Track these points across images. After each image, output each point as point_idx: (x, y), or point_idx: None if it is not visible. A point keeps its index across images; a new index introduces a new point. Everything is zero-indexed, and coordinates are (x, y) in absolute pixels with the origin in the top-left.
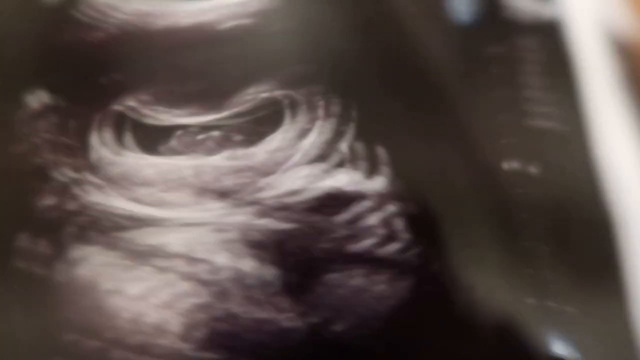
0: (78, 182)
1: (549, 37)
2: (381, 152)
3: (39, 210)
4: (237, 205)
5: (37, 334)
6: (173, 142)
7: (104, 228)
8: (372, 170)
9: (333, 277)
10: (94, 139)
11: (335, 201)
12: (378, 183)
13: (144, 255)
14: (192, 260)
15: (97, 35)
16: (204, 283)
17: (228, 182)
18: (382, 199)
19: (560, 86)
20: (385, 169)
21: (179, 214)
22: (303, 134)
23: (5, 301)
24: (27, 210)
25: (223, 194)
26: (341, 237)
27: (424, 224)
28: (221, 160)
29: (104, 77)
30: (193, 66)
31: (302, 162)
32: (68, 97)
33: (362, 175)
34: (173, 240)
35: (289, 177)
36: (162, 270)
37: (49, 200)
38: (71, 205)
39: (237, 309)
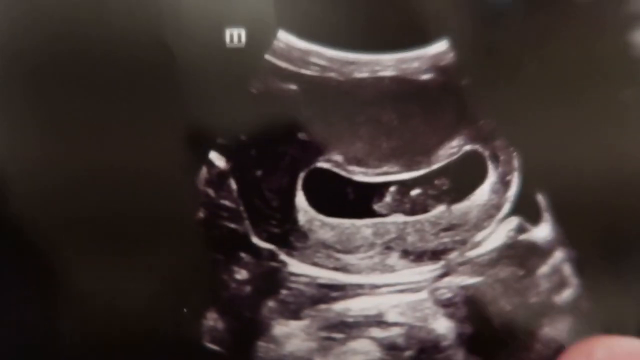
0: (279, 250)
1: None
2: (541, 199)
3: (230, 285)
4: (451, 266)
5: None
6: (387, 200)
7: (312, 300)
8: (537, 217)
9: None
10: (300, 201)
11: (533, 254)
12: (544, 230)
13: (359, 327)
14: (412, 328)
15: (293, 83)
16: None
17: (436, 242)
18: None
19: None
20: (547, 216)
21: (393, 279)
22: (507, 185)
23: None
24: (216, 285)
25: (438, 254)
26: (545, 289)
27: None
28: (435, 217)
29: (303, 132)
30: (396, 119)
31: (509, 215)
32: (263, 152)
33: (533, 223)
34: (387, 308)
35: (492, 233)
36: (381, 341)
37: (242, 274)
38: (272, 277)
39: None
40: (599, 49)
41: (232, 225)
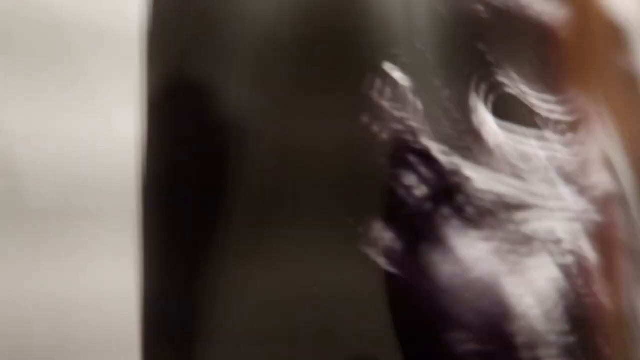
0: (465, 164)
1: None
2: None
3: (410, 203)
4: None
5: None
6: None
7: (494, 213)
8: None
9: None
10: (482, 113)
11: None
12: None
13: (540, 240)
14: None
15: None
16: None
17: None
18: None
19: None
20: None
21: (564, 205)
22: None
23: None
24: (395, 203)
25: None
26: None
27: None
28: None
29: (483, 43)
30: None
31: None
32: (442, 62)
33: None
34: (554, 226)
35: None
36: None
37: (423, 190)
38: (456, 192)
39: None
40: None
41: (412, 139)
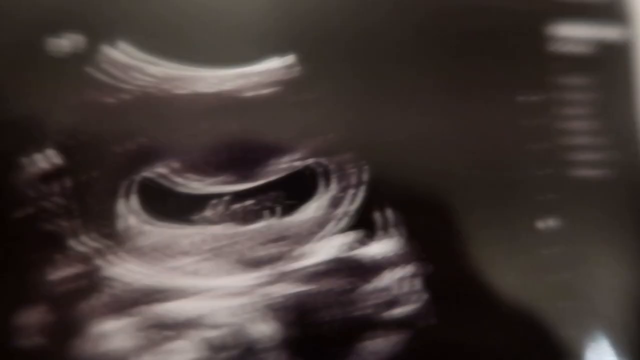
0: (101, 253)
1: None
2: (390, 214)
3: (49, 283)
4: (272, 275)
5: None
6: (207, 212)
7: (132, 302)
8: (385, 232)
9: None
10: (121, 207)
11: (366, 269)
12: (385, 245)
13: (180, 327)
14: (234, 330)
15: (117, 96)
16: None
17: (264, 252)
18: (401, 260)
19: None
20: (392, 231)
21: (219, 283)
22: (336, 202)
23: None
24: (33, 283)
25: (258, 264)
26: (379, 302)
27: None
28: (256, 230)
29: (128, 141)
30: (222, 134)
31: (335, 231)
32: (87, 160)
33: (380, 238)
34: (213, 310)
35: (323, 246)
36: (203, 342)
37: (62, 272)
38: (92, 277)
39: None
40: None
41: (51, 226)
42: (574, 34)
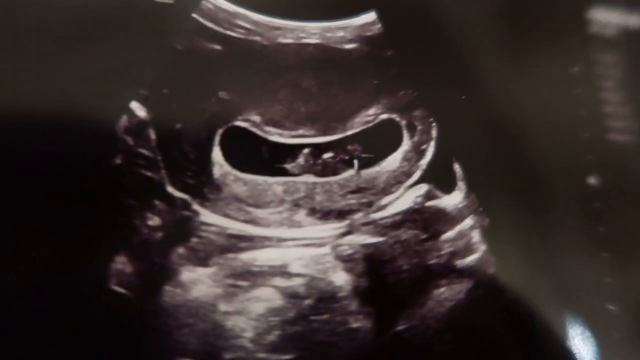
0: (193, 200)
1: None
2: (457, 168)
3: (148, 228)
4: (350, 226)
5: None
6: (288, 164)
7: (221, 249)
8: (449, 186)
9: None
10: (217, 155)
11: (437, 220)
12: (456, 198)
13: (263, 276)
14: (313, 279)
15: (218, 44)
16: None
17: (342, 203)
18: (462, 213)
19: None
20: (461, 184)
21: (299, 234)
22: (421, 154)
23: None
24: (128, 231)
25: (337, 215)
26: (447, 253)
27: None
28: (335, 182)
29: (224, 91)
30: (315, 86)
31: (409, 184)
32: (185, 108)
33: (449, 191)
34: (292, 260)
35: (398, 199)
36: (283, 290)
37: (155, 221)
38: (185, 225)
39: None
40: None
41: (148, 174)
42: (610, 19)
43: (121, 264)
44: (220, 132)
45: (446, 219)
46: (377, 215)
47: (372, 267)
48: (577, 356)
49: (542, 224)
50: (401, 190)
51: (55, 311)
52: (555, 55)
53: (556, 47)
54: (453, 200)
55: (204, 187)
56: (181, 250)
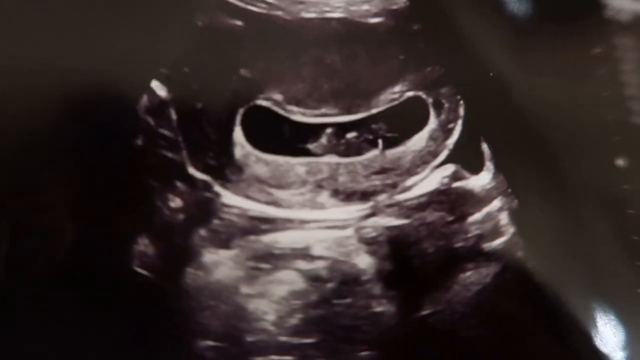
0: (214, 181)
1: None
2: (485, 148)
3: (170, 209)
4: (374, 207)
5: (171, 342)
6: (311, 144)
7: (242, 231)
8: (477, 166)
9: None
10: (238, 135)
11: (464, 201)
12: (484, 179)
13: (285, 258)
14: (336, 262)
15: (239, 19)
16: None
17: (366, 184)
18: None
19: None
20: (489, 165)
21: (322, 216)
22: (448, 133)
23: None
24: (150, 212)
25: (361, 196)
26: (474, 235)
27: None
28: (359, 162)
29: (245, 68)
30: (339, 61)
31: (435, 165)
32: (206, 87)
33: (477, 172)
34: (314, 242)
35: (423, 179)
36: (306, 273)
37: (177, 202)
38: (207, 206)
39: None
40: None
41: (169, 154)
42: (622, 5)
43: (143, 245)
44: (241, 111)
45: (473, 200)
46: (401, 197)
47: (396, 249)
48: (606, 341)
49: (571, 206)
50: (427, 170)
51: (79, 293)
52: (577, 36)
53: (577, 29)
54: (480, 180)
55: (225, 167)
56: (202, 231)
